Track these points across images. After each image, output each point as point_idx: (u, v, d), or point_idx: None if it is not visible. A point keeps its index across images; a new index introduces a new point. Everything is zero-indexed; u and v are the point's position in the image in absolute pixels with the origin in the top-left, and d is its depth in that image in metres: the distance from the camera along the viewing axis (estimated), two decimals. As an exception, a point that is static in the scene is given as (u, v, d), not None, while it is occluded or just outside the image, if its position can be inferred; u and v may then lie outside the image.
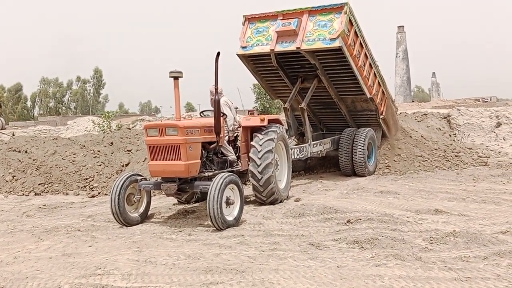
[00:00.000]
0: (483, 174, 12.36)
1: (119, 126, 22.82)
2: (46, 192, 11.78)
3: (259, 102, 56.55)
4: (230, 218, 7.38)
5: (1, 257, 6.20)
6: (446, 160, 14.19)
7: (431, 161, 13.89)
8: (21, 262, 5.94)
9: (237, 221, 7.51)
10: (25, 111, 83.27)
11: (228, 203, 7.37)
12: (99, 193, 11.65)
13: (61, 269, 5.58)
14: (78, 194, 11.72)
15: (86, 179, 12.41)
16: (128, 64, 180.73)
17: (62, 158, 13.03)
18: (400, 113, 17.44)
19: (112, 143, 14.36)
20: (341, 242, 6.31)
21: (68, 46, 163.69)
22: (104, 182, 12.27)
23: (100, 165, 12.96)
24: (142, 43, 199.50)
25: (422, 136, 15.25)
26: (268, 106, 55.45)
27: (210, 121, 8.18)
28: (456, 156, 14.66)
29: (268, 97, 55.74)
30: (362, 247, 6.04)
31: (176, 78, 7.64)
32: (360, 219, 7.30)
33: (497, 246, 5.92)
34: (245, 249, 6.14)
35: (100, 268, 5.48)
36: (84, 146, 13.99)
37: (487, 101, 58.57)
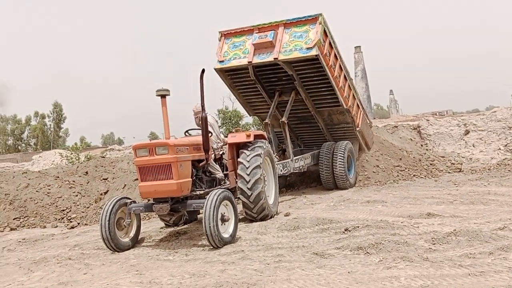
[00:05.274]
0: (461, 180, 12.62)
1: (89, 157, 22.26)
2: (22, 227, 11.26)
3: (224, 127, 56.64)
4: (226, 235, 7.21)
5: (-8, 291, 5.85)
6: (422, 169, 14.46)
7: (409, 170, 14.13)
8: (15, 295, 5.61)
9: (233, 238, 7.35)
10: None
11: (223, 220, 7.20)
12: (78, 223, 11.24)
13: (60, 298, 5.29)
14: (56, 226, 11.26)
15: (63, 210, 11.98)
16: (86, 95, 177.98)
17: (36, 191, 12.54)
18: (372, 126, 17.73)
19: (87, 172, 13.95)
20: (345, 249, 6.25)
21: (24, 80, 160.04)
22: (83, 212, 11.88)
23: (77, 195, 12.55)
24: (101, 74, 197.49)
25: (396, 147, 15.52)
26: (234, 131, 55.40)
27: (198, 139, 8.06)
28: (431, 164, 14.98)
29: (233, 122, 56.23)
30: (368, 252, 5.99)
31: (163, 96, 7.52)
32: (358, 227, 7.27)
33: (499, 242, 5.98)
34: (249, 264, 5.99)
35: (103, 293, 5.23)
36: (58, 177, 13.52)
37: (443, 115, 60.49)
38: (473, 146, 16.96)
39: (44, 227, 11.27)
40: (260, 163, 8.74)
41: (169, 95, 7.56)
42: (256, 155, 8.79)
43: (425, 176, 13.83)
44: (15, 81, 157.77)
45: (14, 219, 11.49)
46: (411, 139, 17.91)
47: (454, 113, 72.21)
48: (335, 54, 11.56)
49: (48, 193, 12.53)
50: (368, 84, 74.13)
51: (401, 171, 13.95)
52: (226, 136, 9.37)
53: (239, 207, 8.93)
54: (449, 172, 14.48)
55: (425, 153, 15.91)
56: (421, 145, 17.71)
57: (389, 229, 7.06)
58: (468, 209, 8.29)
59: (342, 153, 12.49)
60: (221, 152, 9.14)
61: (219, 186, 8.52)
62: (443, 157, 16.07)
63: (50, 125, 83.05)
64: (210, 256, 6.58)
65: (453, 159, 15.98)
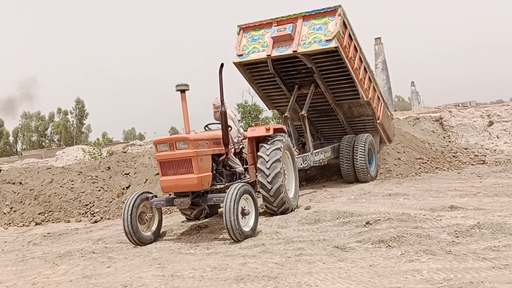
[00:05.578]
0: (484, 172, 12.42)
1: (111, 152, 22.55)
2: (47, 221, 11.48)
3: (244, 121, 56.69)
4: (246, 228, 7.23)
5: (19, 284, 5.97)
6: (445, 161, 14.27)
7: (431, 162, 13.95)
8: (41, 288, 5.72)
9: (253, 232, 7.37)
10: (7, 146, 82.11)
11: (244, 213, 7.23)
12: (101, 218, 11.41)
13: (85, 291, 5.38)
14: (80, 220, 11.45)
15: (87, 205, 12.16)
16: (107, 92, 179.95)
17: (60, 186, 12.75)
18: (393, 118, 17.57)
19: (109, 167, 14.13)
20: (366, 242, 6.21)
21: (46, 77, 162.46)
22: (105, 206, 12.04)
23: (99, 190, 12.73)
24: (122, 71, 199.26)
25: (418, 139, 15.34)
26: (253, 125, 55.38)
27: (218, 133, 8.09)
28: (453, 156, 14.76)
29: (253, 116, 56.16)
30: (389, 245, 5.94)
31: (182, 91, 7.56)
32: (379, 220, 7.21)
33: (524, 234, 5.88)
34: (270, 257, 6.01)
35: (126, 286, 5.30)
36: (81, 172, 13.73)
37: (466, 106, 59.52)
38: (497, 137, 16.67)
39: (68, 221, 11.46)
40: (280, 156, 8.73)
41: (188, 90, 7.59)
42: (276, 148, 8.78)
43: (447, 169, 13.64)
44: (39, 78, 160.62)
45: (39, 213, 11.72)
46: (433, 131, 17.68)
47: (478, 104, 70.97)
48: (354, 46, 11.45)
49: (71, 188, 12.74)
50: (389, 75, 73.28)
51: (423, 163, 13.78)
52: (246, 130, 9.37)
53: (259, 201, 8.96)
54: (472, 164, 14.26)
55: (447, 145, 15.68)
56: (444, 137, 17.46)
57: (411, 222, 6.99)
58: (492, 202, 8.16)
59: (363, 146, 12.39)
60: (241, 146, 9.17)
61: (239, 180, 8.55)
62: (466, 149, 15.82)
63: (73, 121, 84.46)
64: (231, 250, 6.62)
65: (476, 151, 15.71)
